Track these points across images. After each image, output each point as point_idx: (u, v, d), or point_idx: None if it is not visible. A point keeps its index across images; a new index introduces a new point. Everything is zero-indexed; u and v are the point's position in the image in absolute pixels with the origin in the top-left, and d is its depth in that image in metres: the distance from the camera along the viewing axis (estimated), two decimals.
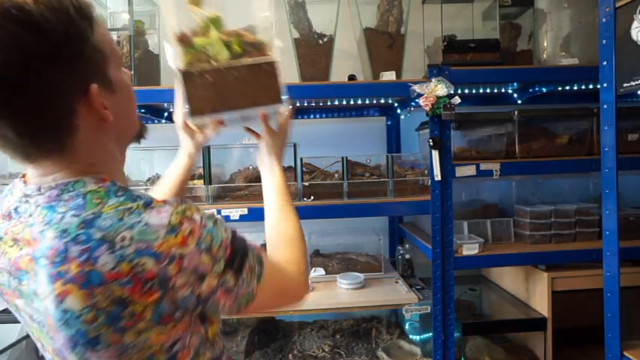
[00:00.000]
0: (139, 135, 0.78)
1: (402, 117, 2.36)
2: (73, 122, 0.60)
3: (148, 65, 1.92)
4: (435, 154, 1.70)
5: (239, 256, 0.66)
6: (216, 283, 0.62)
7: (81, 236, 0.54)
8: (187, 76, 0.83)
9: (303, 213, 1.87)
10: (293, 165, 1.89)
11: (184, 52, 0.83)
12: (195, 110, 0.85)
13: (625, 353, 1.31)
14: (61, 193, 0.60)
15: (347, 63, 2.12)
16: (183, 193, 1.01)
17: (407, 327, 2.14)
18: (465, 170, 1.75)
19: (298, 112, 2.37)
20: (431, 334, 1.82)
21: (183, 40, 0.83)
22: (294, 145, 1.88)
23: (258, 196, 1.87)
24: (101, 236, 0.54)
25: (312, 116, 2.38)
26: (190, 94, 0.84)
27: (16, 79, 0.53)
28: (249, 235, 0.75)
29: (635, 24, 1.23)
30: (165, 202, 0.61)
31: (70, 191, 0.60)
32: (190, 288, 0.59)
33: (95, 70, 0.61)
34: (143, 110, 1.94)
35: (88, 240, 0.54)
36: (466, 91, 2.18)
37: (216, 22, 0.87)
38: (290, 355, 2.01)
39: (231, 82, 0.84)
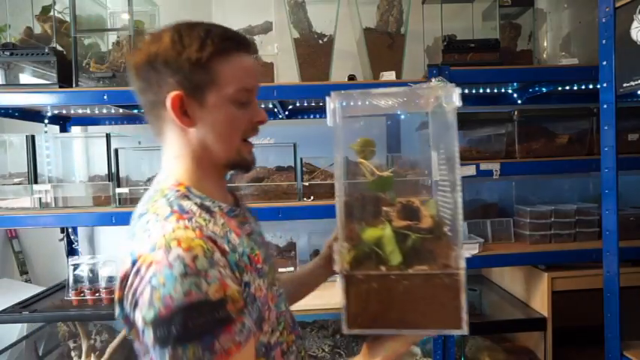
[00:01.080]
0: (237, 165, 0.81)
1: (402, 117, 2.36)
2: (161, 112, 0.76)
3: None
4: (435, 154, 1.70)
5: (172, 331, 0.60)
6: (141, 325, 0.62)
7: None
8: (350, 280, 0.71)
9: (303, 213, 1.89)
10: (293, 165, 1.89)
11: (350, 248, 0.73)
12: (353, 322, 0.72)
13: (625, 353, 1.31)
14: (155, 183, 0.79)
15: (347, 63, 2.12)
16: (300, 294, 1.07)
17: None
18: (465, 170, 1.75)
19: (298, 112, 2.37)
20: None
21: (352, 238, 0.74)
22: (294, 145, 1.88)
23: (258, 196, 1.87)
24: (134, 231, 0.71)
25: (312, 116, 2.38)
26: (350, 302, 0.72)
27: (149, 65, 0.74)
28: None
29: (634, 24, 1.23)
30: (181, 217, 0.68)
31: (158, 182, 0.78)
32: (129, 307, 0.65)
33: (192, 85, 0.74)
34: (144, 110, 1.94)
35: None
36: (466, 91, 2.18)
37: (386, 183, 0.81)
38: None
39: (401, 294, 0.70)
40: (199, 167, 0.78)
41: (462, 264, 0.70)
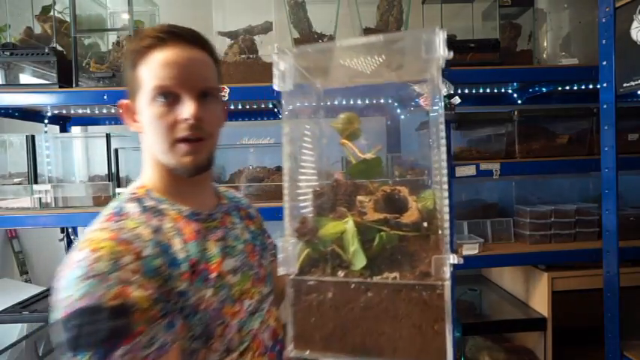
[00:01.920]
0: (175, 169, 0.75)
1: (402, 117, 2.35)
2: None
3: None
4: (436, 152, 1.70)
5: (69, 336, 0.56)
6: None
7: None
8: (299, 287, 0.56)
9: None
10: None
11: (304, 246, 0.58)
12: (299, 342, 0.57)
13: (625, 353, 1.31)
14: None
15: None
16: None
17: None
18: (465, 170, 1.75)
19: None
20: None
21: (305, 232, 0.59)
22: None
23: (258, 196, 1.87)
24: None
25: None
26: (298, 315, 0.56)
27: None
28: None
29: (634, 24, 1.23)
30: (110, 219, 0.69)
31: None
32: None
33: (131, 92, 0.76)
34: None
35: None
36: (466, 91, 2.18)
37: (371, 167, 0.65)
38: None
39: (363, 309, 0.53)
40: (158, 170, 0.77)
41: (447, 273, 0.51)
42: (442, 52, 0.56)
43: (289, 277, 0.58)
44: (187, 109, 0.71)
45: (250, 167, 1.95)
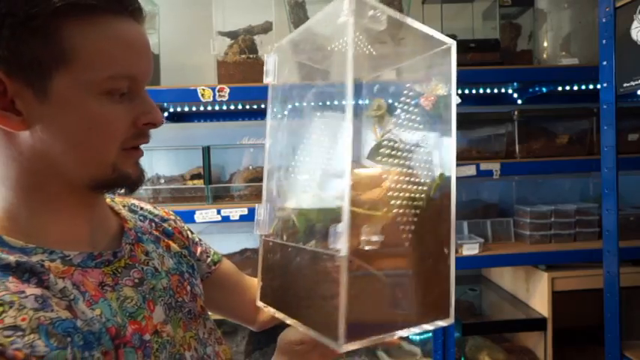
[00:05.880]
0: (111, 185, 0.54)
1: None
2: None
3: None
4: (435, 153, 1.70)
5: None
6: None
7: None
8: (266, 245, 0.62)
9: None
10: None
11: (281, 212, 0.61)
12: (262, 295, 0.62)
13: (625, 353, 1.31)
14: None
15: None
16: None
17: None
18: (465, 170, 1.75)
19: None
20: (431, 334, 1.82)
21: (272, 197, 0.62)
22: None
23: (258, 195, 1.87)
24: None
25: None
26: (263, 270, 0.62)
27: None
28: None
29: (635, 24, 1.23)
30: None
31: None
32: None
33: (25, 61, 0.45)
34: None
35: None
36: (466, 91, 2.18)
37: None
38: None
39: (293, 272, 0.57)
40: (33, 196, 0.50)
41: (344, 247, 0.46)
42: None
43: (262, 237, 0.63)
44: (153, 109, 0.55)
45: (250, 167, 1.95)
